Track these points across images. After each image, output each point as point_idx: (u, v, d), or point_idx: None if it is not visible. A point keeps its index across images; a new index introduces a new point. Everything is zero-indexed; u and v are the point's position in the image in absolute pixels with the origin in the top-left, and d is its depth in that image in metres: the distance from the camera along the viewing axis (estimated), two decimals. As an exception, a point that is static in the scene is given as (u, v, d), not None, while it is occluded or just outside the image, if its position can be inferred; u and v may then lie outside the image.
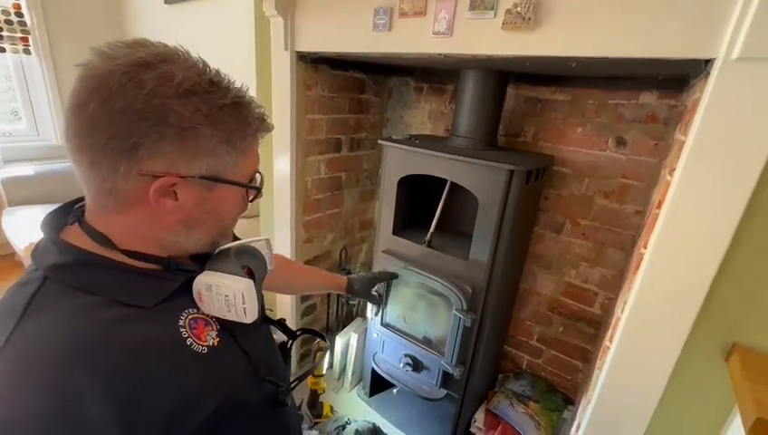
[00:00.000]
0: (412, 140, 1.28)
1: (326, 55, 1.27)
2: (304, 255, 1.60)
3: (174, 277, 0.48)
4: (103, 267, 0.44)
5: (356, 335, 1.65)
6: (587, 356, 1.43)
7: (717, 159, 0.64)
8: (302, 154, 1.42)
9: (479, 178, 1.10)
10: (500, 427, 1.34)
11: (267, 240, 0.64)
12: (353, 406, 1.62)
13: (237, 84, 0.46)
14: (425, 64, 1.38)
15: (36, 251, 0.45)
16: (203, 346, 0.47)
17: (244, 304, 0.49)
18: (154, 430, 0.40)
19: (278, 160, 1.43)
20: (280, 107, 1.34)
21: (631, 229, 1.23)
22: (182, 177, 0.42)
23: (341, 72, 1.47)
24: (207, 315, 0.50)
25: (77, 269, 0.43)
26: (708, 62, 0.65)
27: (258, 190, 0.51)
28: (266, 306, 0.68)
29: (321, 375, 1.54)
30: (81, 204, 0.47)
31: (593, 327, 1.39)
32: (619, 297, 1.01)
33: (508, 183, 1.05)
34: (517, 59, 0.89)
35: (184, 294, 0.49)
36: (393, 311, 1.46)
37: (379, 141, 1.30)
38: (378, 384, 1.62)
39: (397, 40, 1.02)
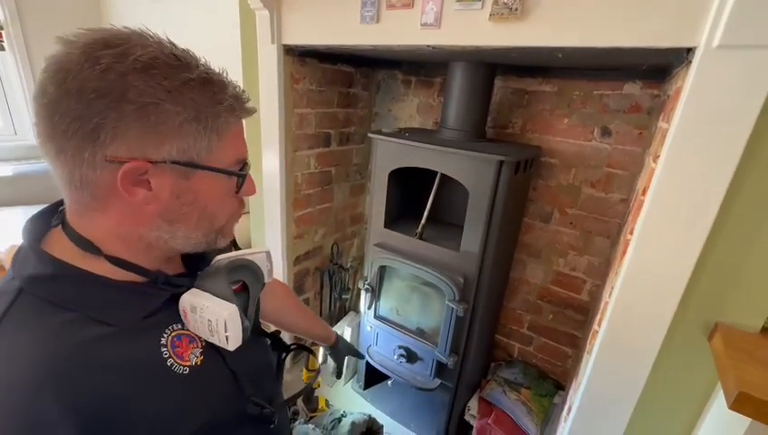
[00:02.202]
0: (402, 133, 1.28)
1: (314, 48, 1.26)
2: (296, 251, 1.59)
3: (158, 293, 0.46)
4: (82, 282, 0.41)
5: (349, 329, 1.65)
6: (576, 342, 1.46)
7: (699, 145, 0.66)
8: (291, 149, 1.41)
9: (469, 170, 1.11)
10: (493, 414, 1.36)
11: (267, 253, 0.62)
12: (348, 399, 1.63)
13: (212, 66, 0.42)
14: (413, 57, 1.38)
15: (17, 257, 0.43)
16: (184, 366, 0.45)
17: (226, 332, 0.46)
18: None
19: (267, 156, 1.42)
20: (268, 101, 1.33)
21: (617, 217, 1.26)
22: (152, 162, 0.39)
23: (329, 65, 1.46)
24: (193, 332, 0.48)
25: (54, 283, 0.40)
26: (690, 50, 0.67)
27: (242, 177, 0.46)
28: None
29: (316, 370, 1.54)
30: (64, 206, 0.45)
31: (582, 314, 1.42)
32: (607, 283, 1.03)
33: (498, 174, 1.06)
34: (504, 50, 0.89)
35: (170, 306, 0.47)
36: (386, 303, 1.47)
37: (369, 134, 1.30)
38: (372, 377, 1.63)
39: (385, 32, 1.01)
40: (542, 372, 1.57)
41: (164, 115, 0.38)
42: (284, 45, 1.25)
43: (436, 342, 1.32)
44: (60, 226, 0.43)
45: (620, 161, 1.22)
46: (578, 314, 1.44)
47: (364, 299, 1.48)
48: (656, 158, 0.76)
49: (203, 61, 0.42)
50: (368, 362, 1.57)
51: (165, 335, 0.45)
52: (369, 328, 1.50)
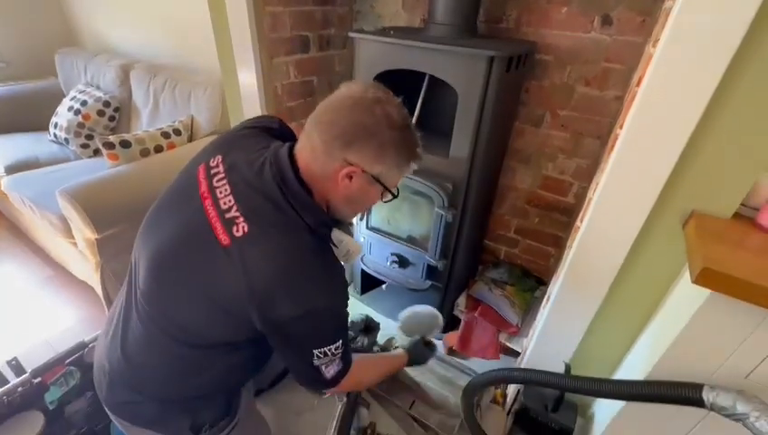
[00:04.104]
0: (386, 32, 1.17)
1: (279, -73, 1.08)
2: (284, 167, 1.56)
3: (331, 226, 0.73)
4: (316, 208, 0.68)
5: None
6: (559, 242, 1.54)
7: (700, 28, 0.61)
8: (266, 55, 1.29)
9: (458, 69, 1.05)
10: (479, 308, 1.49)
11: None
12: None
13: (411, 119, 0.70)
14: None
15: (298, 200, 0.66)
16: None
17: (352, 257, 0.82)
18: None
19: (242, 64, 1.31)
20: (234, -2, 1.18)
21: (609, 116, 1.23)
22: (363, 171, 0.66)
23: (300, -50, 1.27)
24: None
25: (322, 226, 0.69)
26: None
27: (395, 196, 0.74)
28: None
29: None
30: (291, 144, 0.74)
31: (566, 216, 1.48)
32: (593, 182, 1.05)
33: (488, 71, 1.00)
34: None
35: None
36: (378, 214, 1.51)
37: (350, 34, 1.19)
38: (368, 282, 1.75)
39: None
40: (525, 270, 1.68)
41: (388, 153, 0.66)
42: (245, -76, 1.07)
43: (427, 247, 1.38)
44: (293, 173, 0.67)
45: (619, 54, 1.14)
46: (563, 217, 1.49)
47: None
48: (655, 42, 0.71)
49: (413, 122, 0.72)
50: (363, 270, 1.66)
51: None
52: (362, 238, 1.56)
